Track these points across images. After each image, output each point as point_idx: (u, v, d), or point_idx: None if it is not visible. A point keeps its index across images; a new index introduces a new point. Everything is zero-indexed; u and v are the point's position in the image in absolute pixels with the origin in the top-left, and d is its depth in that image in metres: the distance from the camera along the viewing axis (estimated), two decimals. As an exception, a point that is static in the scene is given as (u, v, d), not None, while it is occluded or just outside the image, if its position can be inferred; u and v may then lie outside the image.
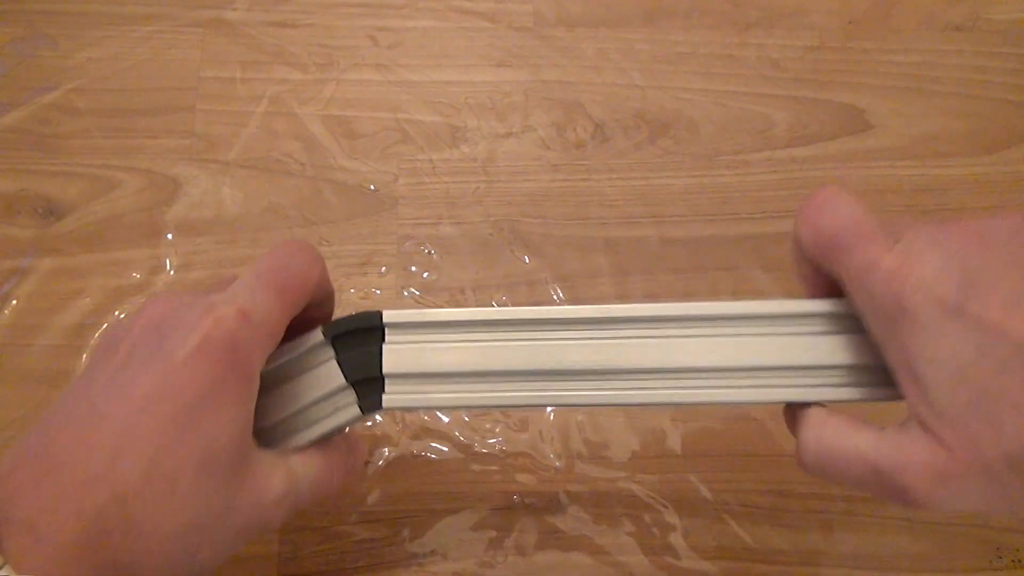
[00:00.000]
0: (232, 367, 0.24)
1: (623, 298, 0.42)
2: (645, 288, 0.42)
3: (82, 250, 0.42)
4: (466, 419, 0.40)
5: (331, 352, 0.28)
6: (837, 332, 0.27)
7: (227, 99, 0.45)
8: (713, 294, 0.42)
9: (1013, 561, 0.38)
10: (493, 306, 0.42)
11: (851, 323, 0.27)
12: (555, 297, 0.42)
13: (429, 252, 0.43)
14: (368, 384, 0.28)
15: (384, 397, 0.28)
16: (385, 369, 0.28)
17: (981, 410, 0.21)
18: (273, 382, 0.28)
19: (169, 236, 0.43)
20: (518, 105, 0.46)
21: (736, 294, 0.43)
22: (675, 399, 0.27)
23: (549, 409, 0.40)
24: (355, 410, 0.28)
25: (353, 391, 0.28)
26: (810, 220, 0.27)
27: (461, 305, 0.42)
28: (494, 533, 0.38)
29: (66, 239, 0.42)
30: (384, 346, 0.28)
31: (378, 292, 0.42)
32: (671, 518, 0.38)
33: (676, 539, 0.38)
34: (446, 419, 0.40)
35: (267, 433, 0.28)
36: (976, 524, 0.38)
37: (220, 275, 0.30)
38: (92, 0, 0.47)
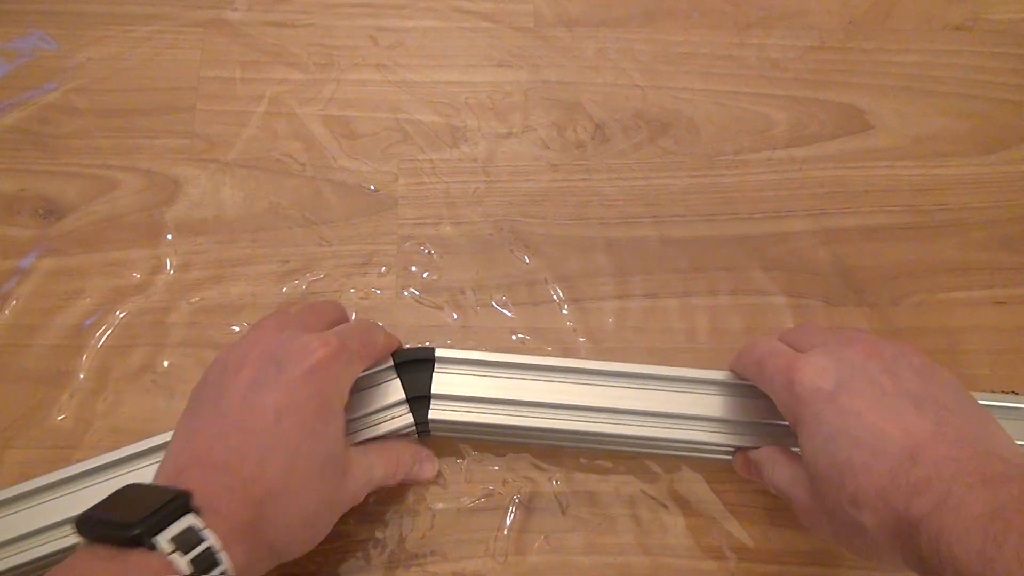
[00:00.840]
0: (335, 385, 0.32)
1: (623, 297, 0.42)
2: (645, 288, 0.42)
3: (82, 250, 0.42)
4: (466, 419, 0.40)
5: (395, 373, 0.37)
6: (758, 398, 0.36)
7: (227, 99, 0.45)
8: (713, 293, 0.42)
9: (1013, 561, 0.38)
10: (493, 306, 0.42)
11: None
12: (555, 297, 0.42)
13: (429, 252, 0.43)
14: (420, 401, 0.37)
15: (430, 411, 0.37)
16: (433, 390, 0.37)
17: (834, 471, 0.28)
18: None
19: (169, 236, 0.43)
20: (518, 105, 0.46)
21: (735, 293, 0.43)
22: (655, 435, 0.37)
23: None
24: (408, 418, 0.36)
25: (408, 405, 0.37)
26: (744, 354, 0.35)
27: (461, 305, 0.42)
28: (494, 533, 0.38)
29: (66, 239, 0.42)
30: (434, 374, 0.37)
31: (378, 292, 0.42)
32: (671, 518, 0.38)
33: (676, 539, 0.38)
34: (446, 419, 0.40)
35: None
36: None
37: (312, 303, 0.37)
38: (92, 0, 0.47)
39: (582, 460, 0.39)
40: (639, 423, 0.36)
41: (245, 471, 0.28)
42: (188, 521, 0.26)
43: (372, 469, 0.34)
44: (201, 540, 0.26)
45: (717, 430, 0.36)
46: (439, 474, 0.39)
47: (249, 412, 0.29)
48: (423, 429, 0.37)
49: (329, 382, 0.31)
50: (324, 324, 0.35)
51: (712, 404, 0.37)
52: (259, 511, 0.28)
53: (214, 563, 0.26)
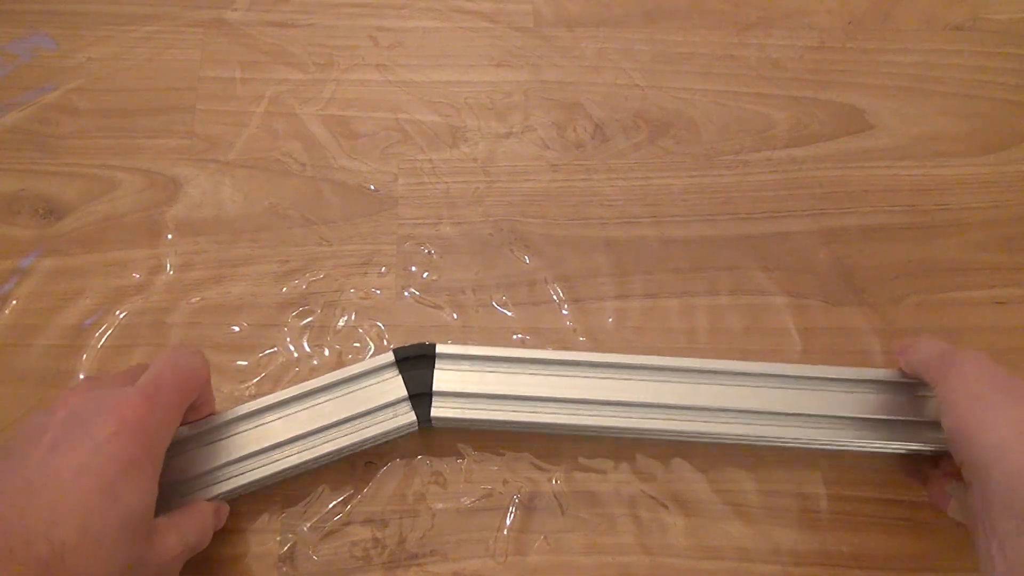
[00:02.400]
0: (143, 446, 0.29)
1: (623, 297, 0.42)
2: (645, 288, 0.42)
3: (82, 250, 0.42)
4: (466, 419, 0.40)
5: (396, 371, 0.37)
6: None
7: (227, 99, 0.45)
8: (712, 294, 0.42)
9: (1013, 561, 0.38)
10: (493, 306, 0.42)
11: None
12: (555, 297, 0.42)
13: (429, 252, 0.43)
14: (422, 398, 0.37)
15: (432, 408, 0.37)
16: (435, 387, 0.37)
17: None
18: (195, 445, 0.36)
19: (169, 236, 0.43)
20: (518, 105, 0.46)
21: (735, 293, 0.43)
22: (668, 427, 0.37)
23: (549, 409, 0.40)
24: (411, 416, 0.37)
25: (410, 402, 0.37)
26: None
27: (461, 305, 0.42)
28: (494, 533, 0.38)
29: (66, 239, 0.42)
30: (435, 370, 0.37)
31: (378, 292, 0.42)
32: (671, 518, 0.38)
33: (676, 539, 0.38)
34: (446, 419, 0.40)
35: (187, 484, 0.35)
36: (976, 524, 0.38)
37: (128, 367, 0.35)
38: (92, 0, 0.47)
39: (581, 460, 0.39)
40: (640, 415, 0.37)
41: (32, 529, 0.26)
42: None
43: (186, 536, 0.32)
44: None
45: (721, 419, 0.37)
46: (439, 473, 0.39)
47: (45, 473, 0.28)
48: (426, 426, 0.37)
49: (138, 443, 0.29)
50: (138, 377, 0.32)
51: (714, 393, 0.38)
52: (46, 572, 0.26)
53: None
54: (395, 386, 0.37)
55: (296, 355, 0.41)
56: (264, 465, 0.36)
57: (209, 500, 0.35)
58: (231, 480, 0.36)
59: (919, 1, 0.50)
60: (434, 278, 0.42)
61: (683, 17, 0.49)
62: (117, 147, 0.44)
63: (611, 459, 0.39)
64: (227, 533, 0.37)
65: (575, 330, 0.42)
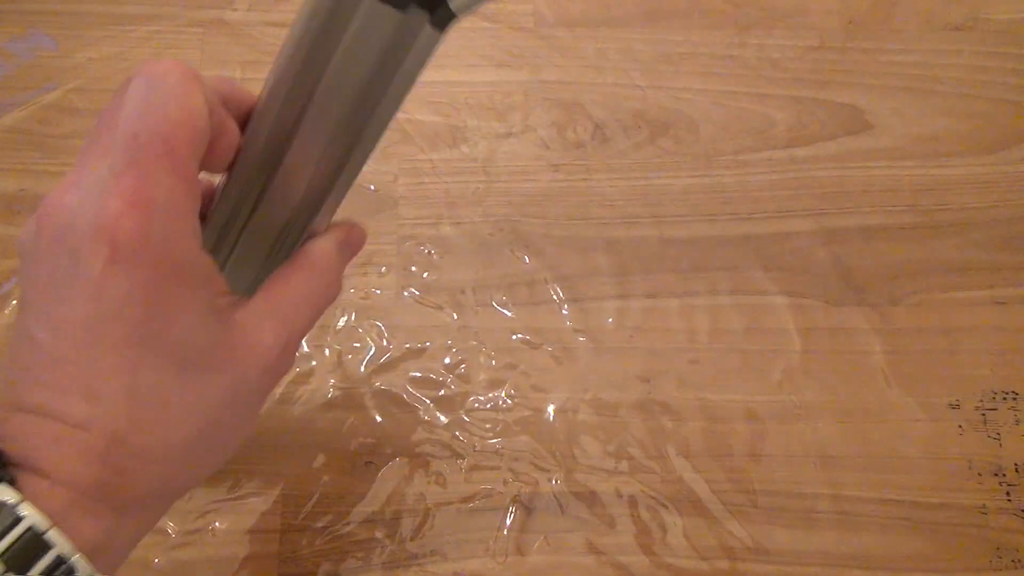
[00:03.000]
0: (158, 264, 0.21)
1: (623, 297, 0.42)
2: (645, 288, 0.42)
3: (82, 250, 0.42)
4: (466, 419, 0.40)
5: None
6: None
7: (227, 99, 0.45)
8: (712, 294, 0.42)
9: (1013, 561, 0.38)
10: (493, 306, 0.42)
11: None
12: (555, 297, 0.42)
13: (429, 252, 0.43)
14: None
15: None
16: None
17: None
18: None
19: (169, 236, 0.43)
20: (518, 105, 0.46)
21: (735, 293, 0.43)
22: None
23: (549, 409, 0.40)
24: (428, 29, 0.22)
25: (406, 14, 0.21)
26: None
27: (462, 306, 0.42)
28: (494, 533, 0.38)
29: (66, 239, 0.42)
30: None
31: (378, 292, 0.42)
32: (671, 518, 0.38)
33: (676, 539, 0.38)
34: (445, 419, 0.40)
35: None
36: (976, 524, 0.38)
37: (112, 104, 0.24)
38: (92, 0, 0.47)
39: (581, 460, 0.39)
40: None
41: (74, 415, 0.20)
42: None
43: (286, 317, 0.24)
44: (17, 520, 0.18)
45: None
46: (439, 473, 0.39)
47: (55, 331, 0.21)
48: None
49: (145, 261, 0.20)
50: (133, 138, 0.21)
51: None
52: (112, 465, 0.20)
53: (38, 549, 0.19)
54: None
55: (296, 355, 0.41)
56: None
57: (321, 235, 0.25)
58: None
59: (919, 1, 0.50)
60: (434, 278, 0.42)
61: (683, 17, 0.49)
62: (117, 147, 0.44)
63: (611, 459, 0.39)
64: (227, 533, 0.37)
65: (575, 330, 0.42)
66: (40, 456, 0.20)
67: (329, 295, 0.26)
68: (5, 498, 0.18)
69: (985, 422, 0.40)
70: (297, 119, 0.23)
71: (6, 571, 0.18)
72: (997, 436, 0.40)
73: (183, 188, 0.21)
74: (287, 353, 0.24)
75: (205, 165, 0.23)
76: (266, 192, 0.25)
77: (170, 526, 0.37)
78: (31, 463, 0.20)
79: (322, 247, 0.26)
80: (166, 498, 0.23)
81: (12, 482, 0.19)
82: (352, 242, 0.28)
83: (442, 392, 0.40)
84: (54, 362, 0.21)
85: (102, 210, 0.20)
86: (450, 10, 0.21)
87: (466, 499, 0.38)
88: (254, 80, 0.46)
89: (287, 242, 0.26)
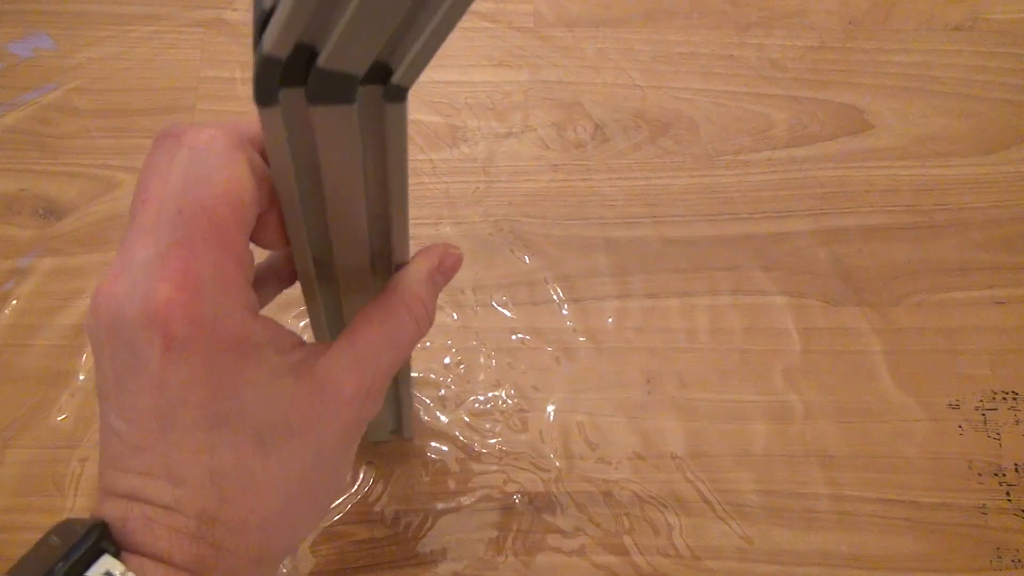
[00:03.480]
0: (213, 344, 0.20)
1: (623, 297, 0.42)
2: (645, 288, 0.42)
3: (82, 250, 0.42)
4: (466, 419, 0.40)
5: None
6: None
7: (227, 99, 0.45)
8: (712, 293, 0.42)
9: (1013, 561, 0.38)
10: (493, 306, 0.42)
11: None
12: (555, 297, 0.42)
13: (429, 252, 0.43)
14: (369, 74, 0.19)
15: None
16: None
17: None
18: None
19: (169, 236, 0.43)
20: (518, 105, 0.46)
21: (735, 293, 0.43)
22: None
23: (549, 409, 0.40)
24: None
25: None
26: None
27: (462, 306, 0.42)
28: (494, 533, 0.38)
29: (66, 239, 0.42)
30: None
31: (378, 292, 0.42)
32: (671, 518, 0.38)
33: (676, 539, 0.38)
34: (445, 419, 0.40)
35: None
36: (976, 524, 0.38)
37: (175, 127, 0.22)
38: (92, 0, 0.47)
39: (582, 461, 0.39)
40: None
41: (163, 498, 0.20)
42: (105, 566, 0.19)
43: (364, 363, 0.23)
44: None
45: None
46: (439, 473, 0.39)
47: (130, 422, 0.21)
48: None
49: (200, 348, 0.20)
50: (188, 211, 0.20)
51: None
52: (202, 540, 0.21)
53: None
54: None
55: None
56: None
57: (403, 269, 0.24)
58: None
59: (919, 1, 0.50)
60: (434, 278, 0.42)
61: (683, 17, 0.49)
62: (117, 147, 0.44)
63: (611, 459, 0.39)
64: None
65: (575, 330, 0.42)
66: (136, 537, 0.20)
67: (417, 330, 0.24)
68: (113, 569, 0.19)
69: (985, 422, 0.40)
70: (322, 219, 0.23)
71: None
72: (997, 436, 0.40)
73: (232, 262, 0.21)
74: (369, 400, 0.23)
75: (263, 241, 0.23)
76: (332, 255, 0.25)
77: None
78: (128, 543, 0.20)
79: (410, 278, 0.25)
80: (267, 564, 0.23)
81: (116, 555, 0.19)
82: (445, 268, 0.26)
83: (442, 392, 0.40)
84: (134, 451, 0.21)
85: (150, 297, 0.20)
86: (398, 87, 0.19)
87: (466, 499, 0.38)
88: (254, 80, 0.46)
89: (378, 278, 0.26)
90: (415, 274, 0.25)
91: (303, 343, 0.23)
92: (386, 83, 0.19)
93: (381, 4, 0.17)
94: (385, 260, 0.25)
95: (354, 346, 0.23)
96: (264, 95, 0.18)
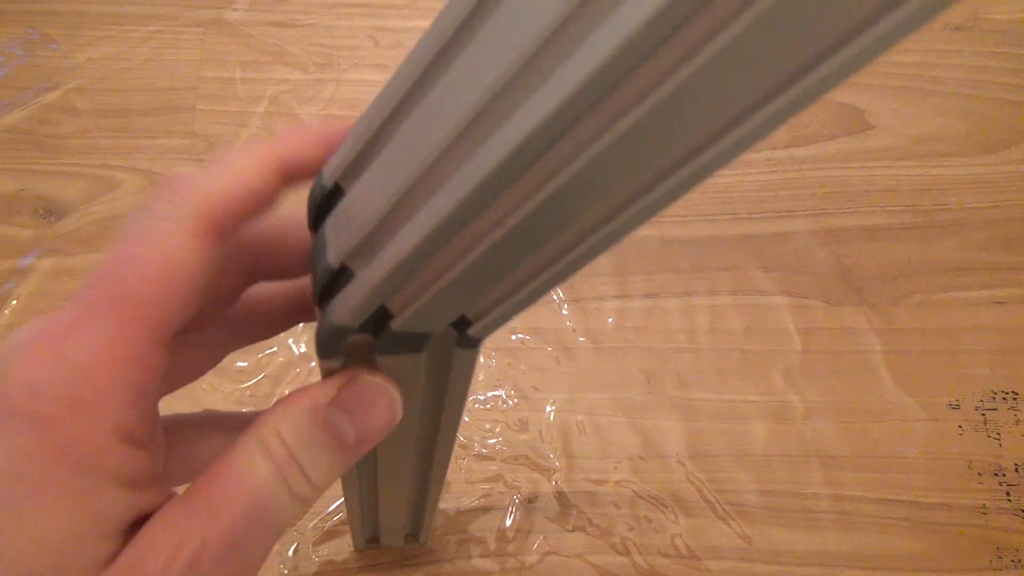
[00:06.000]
0: (40, 428, 0.14)
1: (623, 297, 0.42)
2: (645, 288, 0.42)
3: (82, 250, 0.42)
4: (466, 419, 0.40)
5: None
6: None
7: (227, 99, 0.46)
8: (712, 294, 0.42)
9: (1013, 561, 0.38)
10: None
11: None
12: (555, 297, 0.42)
13: (429, 252, 0.43)
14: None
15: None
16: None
17: None
18: None
19: (169, 236, 0.43)
20: (518, 105, 0.46)
21: (735, 293, 0.43)
22: None
23: (549, 409, 0.40)
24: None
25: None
26: None
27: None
28: (494, 533, 0.38)
29: (66, 239, 0.42)
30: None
31: (378, 292, 0.42)
32: (671, 518, 0.38)
33: (676, 539, 0.38)
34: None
35: None
36: (976, 524, 0.38)
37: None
38: (92, 0, 0.47)
39: (582, 461, 0.39)
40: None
41: None
42: None
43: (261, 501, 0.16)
44: None
45: None
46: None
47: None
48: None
49: (26, 421, 0.14)
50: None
51: None
52: None
53: None
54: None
55: (297, 355, 0.41)
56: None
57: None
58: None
59: (919, 1, 0.50)
60: (434, 278, 0.42)
61: (683, 17, 0.49)
62: (117, 147, 0.44)
63: (611, 459, 0.39)
64: (227, 533, 0.37)
65: (575, 330, 0.42)
66: None
67: (284, 493, 0.16)
68: None
69: (985, 422, 0.40)
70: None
71: None
72: (997, 436, 0.40)
73: (123, 348, 0.15)
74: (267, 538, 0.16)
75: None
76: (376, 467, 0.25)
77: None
78: None
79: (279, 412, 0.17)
80: None
81: None
82: (346, 403, 0.17)
83: (442, 392, 0.40)
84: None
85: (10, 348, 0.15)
86: (472, 337, 0.17)
87: (466, 499, 0.38)
88: (253, 80, 0.46)
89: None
90: (292, 406, 0.17)
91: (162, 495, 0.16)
92: (462, 331, 0.17)
93: (469, 281, 0.15)
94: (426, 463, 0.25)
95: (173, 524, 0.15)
96: (329, 352, 0.16)
